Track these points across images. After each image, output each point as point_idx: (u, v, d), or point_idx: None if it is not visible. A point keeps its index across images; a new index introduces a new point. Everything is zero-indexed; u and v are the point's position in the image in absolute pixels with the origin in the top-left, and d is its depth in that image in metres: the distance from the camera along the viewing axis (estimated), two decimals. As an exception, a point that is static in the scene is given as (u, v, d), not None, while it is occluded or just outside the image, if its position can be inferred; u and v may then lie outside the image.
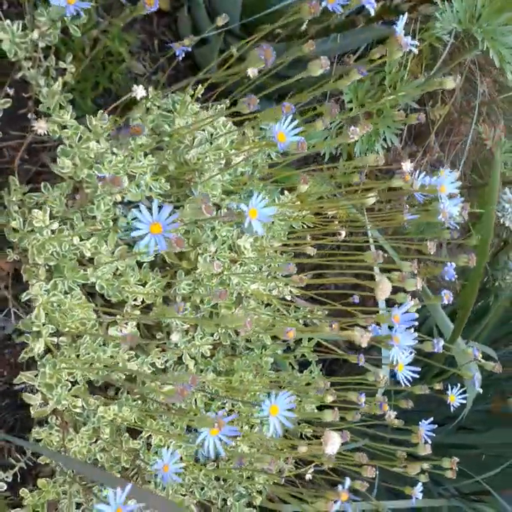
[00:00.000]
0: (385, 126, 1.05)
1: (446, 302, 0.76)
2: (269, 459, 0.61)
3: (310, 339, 1.11)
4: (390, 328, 0.68)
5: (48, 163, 1.22)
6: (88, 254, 0.73)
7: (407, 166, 0.81)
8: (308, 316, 0.91)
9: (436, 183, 0.68)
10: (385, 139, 1.07)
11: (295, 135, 0.63)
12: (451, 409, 0.88)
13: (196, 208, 0.51)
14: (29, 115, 1.15)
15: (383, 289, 0.62)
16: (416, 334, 0.70)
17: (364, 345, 0.61)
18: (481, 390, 0.84)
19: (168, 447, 0.65)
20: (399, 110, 1.13)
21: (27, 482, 1.08)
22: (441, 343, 0.72)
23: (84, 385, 0.88)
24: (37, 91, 1.07)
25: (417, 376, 0.76)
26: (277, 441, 0.86)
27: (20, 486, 1.11)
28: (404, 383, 0.75)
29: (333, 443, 0.73)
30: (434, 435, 0.90)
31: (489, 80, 1.86)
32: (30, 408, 0.77)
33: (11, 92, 1.02)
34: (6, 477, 0.98)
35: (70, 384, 0.74)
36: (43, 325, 0.71)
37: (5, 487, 0.98)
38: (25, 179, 1.15)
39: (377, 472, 1.20)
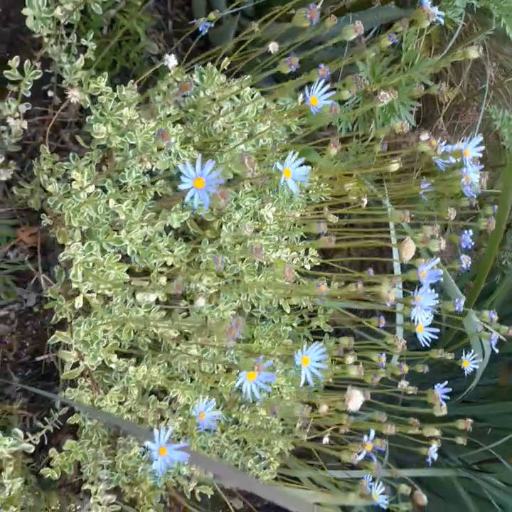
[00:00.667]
0: (400, 102, 1.08)
1: (465, 266, 0.80)
2: (301, 406, 0.64)
3: (325, 311, 1.14)
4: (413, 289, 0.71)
5: (67, 140, 1.25)
6: (123, 217, 0.76)
7: (425, 136, 0.85)
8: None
9: (461, 147, 0.71)
10: (400, 116, 1.10)
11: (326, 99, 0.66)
12: (465, 373, 0.92)
13: (239, 162, 0.54)
14: (49, 92, 1.18)
15: (408, 249, 0.66)
16: (436, 295, 0.73)
17: (391, 300, 0.64)
18: (496, 350, 0.87)
19: (202, 399, 0.68)
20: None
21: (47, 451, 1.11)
22: (462, 302, 0.76)
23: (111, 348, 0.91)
24: (59, 67, 1.09)
25: (436, 337, 0.79)
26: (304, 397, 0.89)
27: (40, 454, 1.15)
28: (424, 344, 0.79)
29: (355, 400, 0.77)
30: (448, 398, 0.93)
31: (496, 65, 1.90)
32: (65, 366, 0.80)
33: (39, 65, 1.05)
34: (34, 439, 1.02)
35: (105, 341, 0.78)
36: (83, 283, 0.74)
37: (33, 449, 1.01)
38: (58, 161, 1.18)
39: (387, 443, 1.25)
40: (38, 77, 0.94)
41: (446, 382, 0.92)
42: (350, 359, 0.83)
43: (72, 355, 0.79)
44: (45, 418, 1.06)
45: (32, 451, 1.02)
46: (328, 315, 1.11)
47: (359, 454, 0.73)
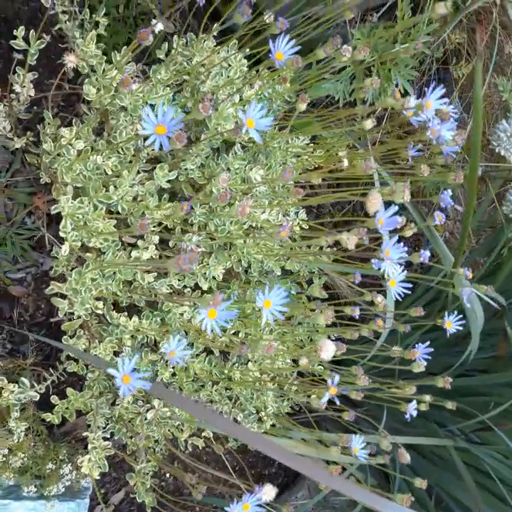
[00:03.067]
0: (397, 72, 1.09)
1: (438, 222, 0.81)
2: (262, 345, 0.68)
3: (320, 278, 1.17)
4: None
5: (82, 112, 1.32)
6: (110, 172, 0.81)
7: (412, 100, 0.87)
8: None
9: (422, 100, 0.72)
10: (397, 86, 1.12)
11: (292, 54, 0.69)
12: (447, 334, 0.93)
13: (196, 110, 0.58)
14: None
15: (373, 200, 0.68)
16: (405, 248, 0.75)
17: (351, 247, 0.67)
18: (468, 304, 0.89)
19: (174, 337, 0.73)
20: (415, 58, 1.18)
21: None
22: (428, 254, 0.78)
23: (109, 304, 0.97)
24: (73, 43, 1.16)
25: (409, 292, 0.81)
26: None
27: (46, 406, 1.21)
28: (397, 298, 0.81)
29: (327, 350, 0.80)
30: (429, 358, 0.95)
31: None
32: (59, 312, 0.86)
33: (48, 38, 1.11)
34: (40, 389, 1.09)
35: (93, 289, 0.83)
36: (69, 232, 0.79)
37: (38, 397, 1.09)
38: (62, 125, 1.25)
39: (386, 411, 1.27)
40: (42, 46, 1.00)
41: (429, 343, 0.94)
42: (329, 313, 0.86)
43: (64, 302, 0.85)
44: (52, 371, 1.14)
45: (37, 398, 1.10)
46: (321, 282, 1.14)
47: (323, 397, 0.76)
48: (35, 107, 1.25)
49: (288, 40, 0.68)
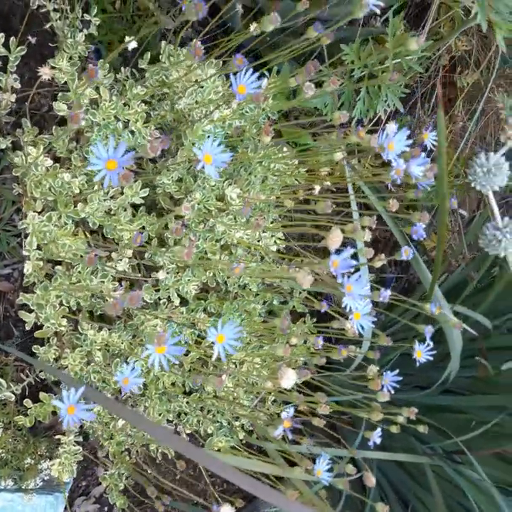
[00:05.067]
0: (387, 88, 1.07)
1: (405, 258, 0.80)
2: (214, 379, 0.68)
3: (300, 292, 1.17)
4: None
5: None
6: (76, 191, 0.81)
7: (391, 127, 0.85)
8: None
9: (385, 140, 0.70)
10: (386, 101, 1.09)
11: (255, 88, 0.67)
12: (417, 364, 0.93)
13: (145, 147, 0.57)
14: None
15: (333, 238, 0.67)
16: (368, 284, 0.74)
17: (305, 286, 0.66)
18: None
19: (128, 362, 0.73)
20: (405, 75, 1.15)
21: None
22: (388, 293, 0.77)
23: (84, 313, 0.98)
24: (61, 42, 1.14)
25: (373, 325, 0.80)
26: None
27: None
28: (361, 331, 0.80)
29: (288, 378, 0.80)
30: (397, 386, 0.95)
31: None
32: (26, 324, 0.87)
33: (34, 40, 1.10)
34: (16, 389, 1.11)
35: (58, 306, 0.84)
36: (33, 250, 0.80)
37: (13, 398, 1.10)
38: (52, 125, 1.25)
39: (364, 425, 1.27)
40: (23, 53, 1.00)
41: (397, 371, 0.93)
42: (294, 340, 0.85)
43: (31, 316, 0.85)
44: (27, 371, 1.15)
45: (13, 400, 1.12)
46: (301, 298, 1.14)
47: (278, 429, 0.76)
48: (25, 103, 1.24)
49: (251, 72, 0.67)
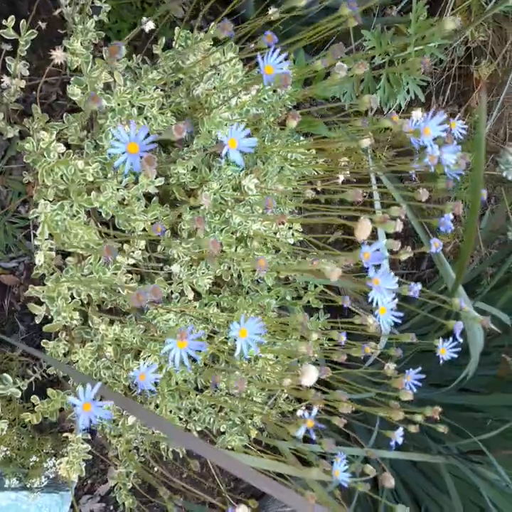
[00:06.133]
0: (408, 76, 1.03)
1: (434, 250, 0.77)
2: (237, 377, 0.65)
3: (315, 286, 1.13)
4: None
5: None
6: (90, 179, 0.77)
7: (417, 114, 0.81)
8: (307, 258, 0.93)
9: (422, 124, 0.67)
10: (408, 91, 1.06)
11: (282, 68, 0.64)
12: (440, 361, 0.89)
13: (170, 130, 0.54)
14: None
15: (362, 229, 0.64)
16: (396, 278, 0.71)
17: (334, 279, 0.63)
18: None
19: (145, 359, 0.70)
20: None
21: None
22: (418, 287, 0.73)
23: (93, 306, 0.94)
24: (72, 28, 1.11)
25: (400, 321, 0.77)
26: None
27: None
28: (385, 327, 0.77)
29: (309, 375, 0.76)
30: (420, 384, 0.91)
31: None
32: (35, 318, 0.84)
33: (44, 25, 1.06)
34: (22, 385, 1.08)
35: (70, 298, 0.80)
36: (45, 240, 0.76)
37: (20, 394, 1.07)
38: (60, 114, 1.21)
39: (378, 423, 1.24)
40: (33, 36, 0.96)
41: (420, 369, 0.90)
42: (314, 336, 0.82)
43: (41, 309, 0.82)
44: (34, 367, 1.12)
45: (19, 395, 1.08)
46: (315, 292, 1.10)
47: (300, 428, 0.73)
48: (34, 92, 1.21)
49: (279, 52, 0.63)
